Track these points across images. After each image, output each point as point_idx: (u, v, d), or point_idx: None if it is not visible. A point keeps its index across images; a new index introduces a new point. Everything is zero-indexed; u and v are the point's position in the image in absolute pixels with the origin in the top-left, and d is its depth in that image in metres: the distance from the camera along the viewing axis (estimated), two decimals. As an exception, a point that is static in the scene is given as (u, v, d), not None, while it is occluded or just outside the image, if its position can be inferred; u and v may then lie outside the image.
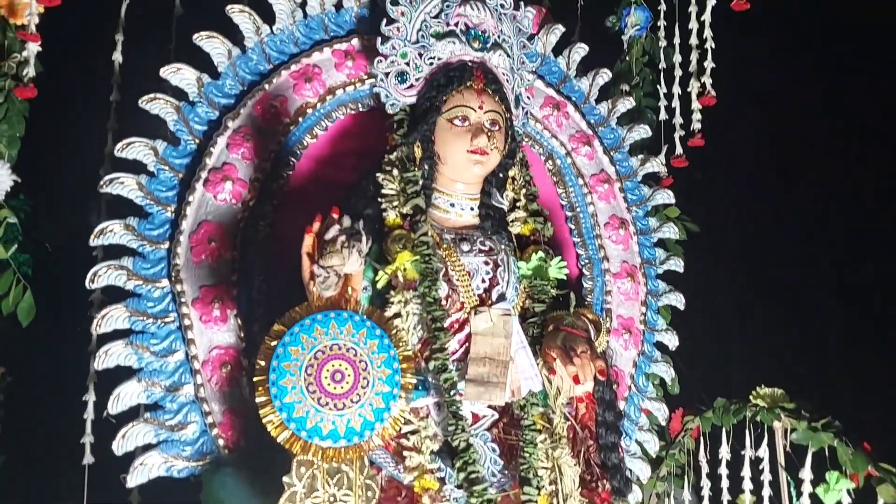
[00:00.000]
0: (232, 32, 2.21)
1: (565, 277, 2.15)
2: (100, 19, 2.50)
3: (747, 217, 4.13)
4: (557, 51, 2.57)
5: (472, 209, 2.14)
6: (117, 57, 2.45)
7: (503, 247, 2.09)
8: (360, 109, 2.28)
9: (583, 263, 2.42)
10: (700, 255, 2.96)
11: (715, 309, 3.91)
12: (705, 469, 2.64)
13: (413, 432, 1.85)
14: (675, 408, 2.70)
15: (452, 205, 2.12)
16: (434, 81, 2.09)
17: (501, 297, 2.00)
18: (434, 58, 2.11)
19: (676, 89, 2.91)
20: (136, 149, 2.06)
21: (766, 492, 2.50)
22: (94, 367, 2.00)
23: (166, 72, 2.10)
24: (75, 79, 2.61)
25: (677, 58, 2.91)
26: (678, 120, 2.88)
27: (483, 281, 2.01)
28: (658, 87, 2.99)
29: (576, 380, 1.82)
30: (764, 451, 2.47)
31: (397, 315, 1.91)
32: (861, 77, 4.04)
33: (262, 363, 1.64)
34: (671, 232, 2.61)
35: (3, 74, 2.24)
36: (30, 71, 2.23)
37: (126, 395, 1.96)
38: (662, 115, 2.96)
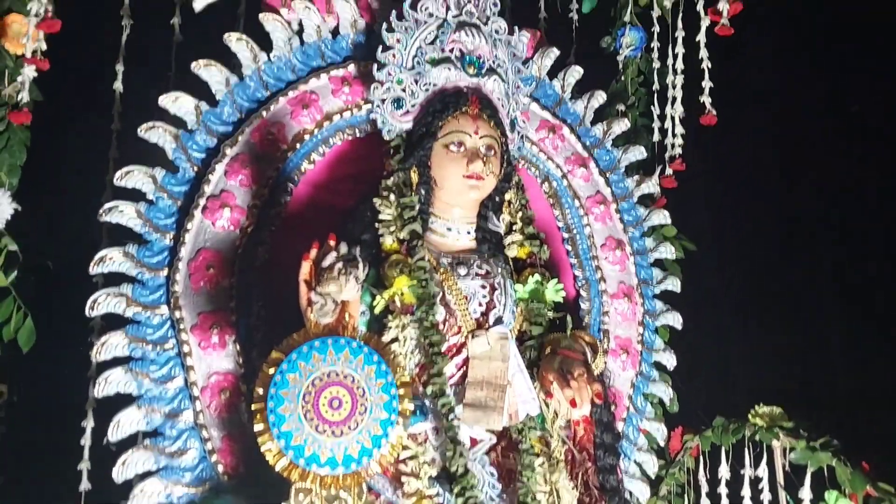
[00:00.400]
0: (230, 59, 2.24)
1: (562, 300, 2.17)
2: (100, 48, 2.53)
3: (745, 232, 4.14)
4: (552, 73, 2.59)
5: (468, 233, 2.15)
6: (118, 86, 2.48)
7: (500, 270, 2.11)
8: (358, 135, 2.30)
9: (580, 284, 2.44)
10: (698, 271, 2.97)
11: (713, 326, 3.91)
12: (705, 488, 2.64)
13: (411, 457, 1.86)
14: (674, 426, 2.71)
15: (449, 229, 2.14)
16: (430, 107, 2.11)
17: (499, 321, 2.02)
18: (430, 84, 2.13)
19: (669, 110, 2.92)
20: (135, 177, 2.08)
21: (766, 510, 2.50)
22: (94, 394, 2.01)
23: (165, 101, 2.13)
24: (76, 107, 2.63)
25: (671, 78, 2.92)
26: (671, 140, 2.89)
27: (480, 304, 2.03)
28: (652, 107, 3.01)
29: (573, 403, 1.82)
30: (763, 471, 2.47)
31: (395, 340, 1.93)
32: (862, 83, 4.05)
33: (260, 391, 1.65)
34: (667, 252, 2.62)
35: (4, 104, 2.25)
36: (24, 96, 2.24)
37: (126, 422, 1.97)
38: (656, 136, 2.97)
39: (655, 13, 3.03)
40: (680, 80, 2.88)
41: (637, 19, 3.08)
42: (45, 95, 2.31)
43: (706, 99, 2.76)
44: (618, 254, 2.46)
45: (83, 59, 2.54)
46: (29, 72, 2.20)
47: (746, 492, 2.53)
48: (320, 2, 2.31)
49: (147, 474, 1.96)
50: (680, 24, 2.86)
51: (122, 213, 2.06)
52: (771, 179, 4.21)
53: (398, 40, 2.13)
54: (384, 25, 2.14)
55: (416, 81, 2.13)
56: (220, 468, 1.98)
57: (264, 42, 2.26)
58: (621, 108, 3.08)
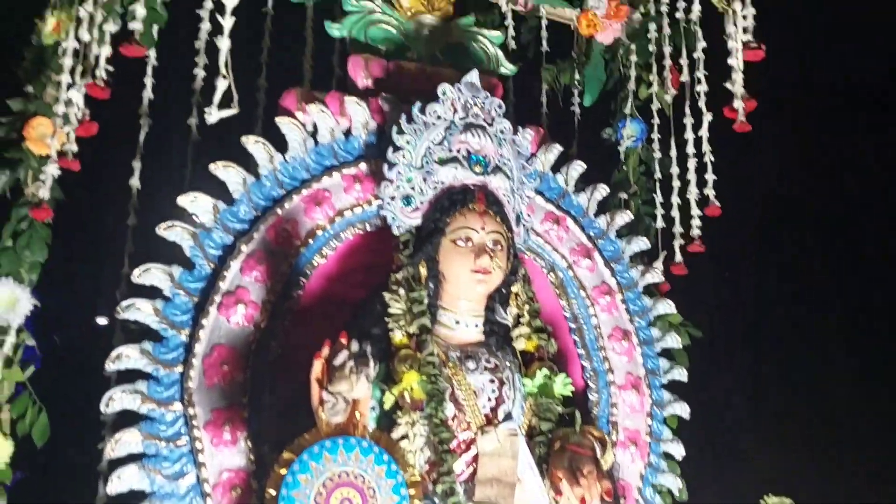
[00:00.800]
0: (246, 156, 2.32)
1: (571, 394, 2.19)
2: (119, 145, 2.62)
3: (751, 318, 4.17)
4: (556, 167, 2.67)
5: (476, 326, 2.20)
6: (135, 182, 2.56)
7: (508, 363, 2.14)
8: (368, 229, 2.37)
9: (588, 375, 2.46)
10: (706, 357, 2.99)
11: (722, 413, 3.91)
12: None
13: (422, 557, 1.86)
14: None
15: (457, 322, 2.18)
16: (438, 204, 2.19)
17: (508, 416, 2.04)
18: (438, 182, 2.21)
19: (675, 199, 2.98)
20: (152, 274, 2.14)
21: None
22: (107, 491, 2.02)
23: (184, 201, 2.20)
24: (94, 204, 2.71)
25: (675, 169, 2.99)
26: (678, 228, 2.94)
27: (489, 399, 2.06)
28: (655, 196, 3.07)
29: (582, 501, 1.84)
30: (774, 563, 2.45)
31: (404, 437, 1.95)
32: (863, 164, 4.14)
33: (272, 492, 1.67)
34: (674, 341, 2.65)
35: (27, 202, 2.33)
36: (45, 193, 2.31)
37: (138, 520, 1.98)
38: (660, 223, 3.02)
39: (655, 106, 3.13)
40: (693, 164, 2.93)
41: (637, 111, 3.19)
42: (64, 191, 2.38)
43: (710, 192, 2.81)
44: (625, 344, 2.50)
45: (102, 157, 2.62)
46: (52, 170, 2.28)
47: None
48: (334, 104, 2.41)
49: (158, 573, 1.96)
50: (689, 110, 2.93)
51: (140, 311, 2.11)
52: (770, 279, 4.27)
53: (408, 141, 2.22)
54: (395, 128, 2.23)
55: (425, 180, 2.21)
56: (232, 565, 1.97)
57: (280, 141, 2.35)
58: (624, 196, 3.15)
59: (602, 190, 2.70)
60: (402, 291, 2.14)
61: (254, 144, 2.30)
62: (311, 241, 2.29)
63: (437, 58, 2.62)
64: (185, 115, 2.64)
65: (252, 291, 2.16)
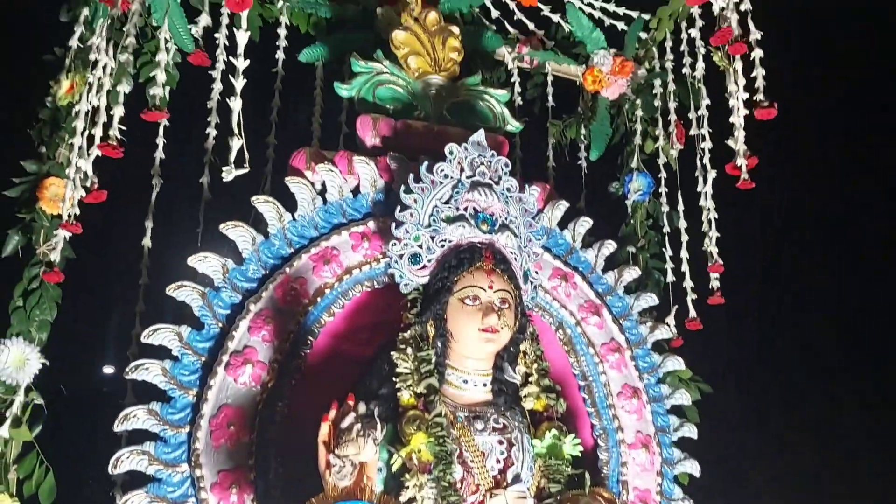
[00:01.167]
0: (257, 214, 2.35)
1: (580, 454, 2.17)
2: (131, 204, 2.65)
3: (763, 370, 4.13)
4: (563, 223, 2.68)
5: (484, 385, 2.19)
6: (147, 242, 2.59)
7: (517, 424, 2.13)
8: (376, 286, 2.37)
9: (598, 434, 2.44)
10: (717, 412, 2.97)
11: (733, 473, 3.85)
12: None
13: None
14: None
15: (465, 381, 2.17)
16: (446, 262, 2.20)
17: (516, 478, 2.02)
18: (445, 240, 2.22)
19: (684, 253, 2.98)
20: (161, 335, 2.15)
21: None
22: (114, 555, 2.01)
23: (193, 261, 2.22)
24: (105, 262, 2.73)
25: (682, 223, 3.00)
26: (689, 283, 2.94)
27: (498, 461, 2.04)
28: (664, 249, 3.08)
29: (593, 565, 1.80)
30: None
31: (412, 500, 1.93)
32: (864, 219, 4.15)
33: (279, 559, 1.65)
34: (683, 398, 2.63)
35: (38, 262, 2.36)
36: (56, 256, 2.34)
37: (142, 585, 1.96)
38: (670, 277, 3.02)
39: (662, 160, 3.15)
40: (709, 219, 2.92)
41: (644, 165, 3.21)
42: (75, 249, 2.41)
43: (713, 248, 2.81)
44: (634, 402, 2.48)
45: (113, 215, 2.66)
46: (63, 233, 2.31)
47: None
48: (342, 163, 2.44)
49: None
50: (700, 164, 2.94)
51: (149, 371, 2.11)
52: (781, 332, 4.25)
53: (415, 200, 2.24)
54: (402, 187, 2.25)
55: (433, 238, 2.22)
56: None
57: (289, 199, 2.37)
58: (632, 250, 3.16)
59: (609, 246, 2.70)
60: (409, 350, 2.14)
61: (263, 204, 2.32)
62: (319, 299, 2.29)
63: (445, 116, 2.65)
64: (196, 175, 2.68)
65: (260, 351, 2.16)
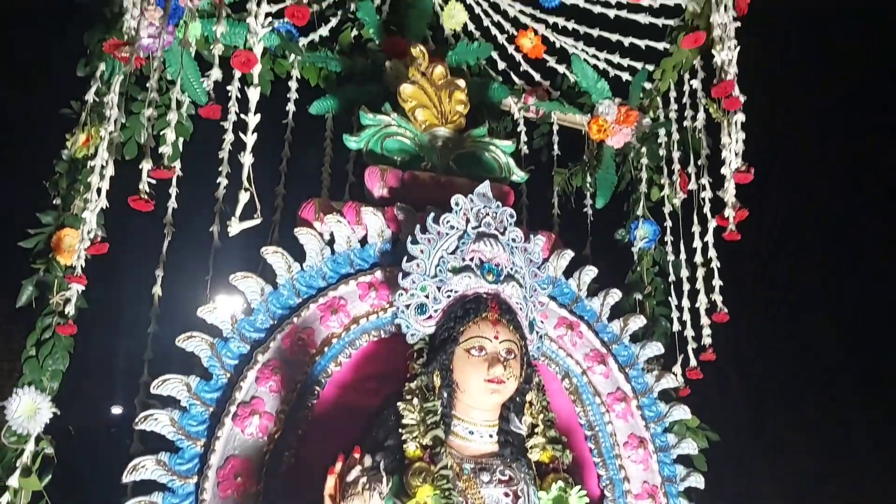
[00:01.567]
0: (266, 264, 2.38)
1: (586, 506, 2.17)
2: (141, 255, 2.70)
3: (774, 426, 4.11)
4: (569, 272, 2.70)
5: (490, 436, 2.19)
6: (157, 290, 2.62)
7: (523, 475, 2.13)
8: (382, 336, 2.40)
9: (604, 485, 2.44)
10: (723, 464, 2.95)
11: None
12: None
13: None
14: None
15: (471, 432, 2.18)
16: (451, 313, 2.22)
17: (522, 532, 2.01)
18: (451, 290, 2.25)
19: (686, 302, 3.00)
20: (170, 385, 2.17)
21: None
22: None
23: (203, 312, 2.25)
24: (116, 311, 2.77)
25: (684, 272, 3.02)
26: (690, 332, 2.94)
27: (503, 514, 2.03)
28: (670, 298, 3.09)
29: None
30: None
31: (418, 553, 1.93)
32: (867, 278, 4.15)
33: None
34: (690, 448, 2.62)
35: (51, 312, 2.39)
36: (71, 309, 2.38)
37: None
38: (676, 326, 3.03)
39: (667, 208, 3.18)
40: (702, 272, 2.95)
41: (650, 213, 3.24)
42: (88, 301, 2.44)
43: (717, 297, 2.82)
44: (640, 452, 2.47)
45: (124, 265, 2.70)
46: (77, 286, 2.35)
47: None
48: (350, 214, 2.49)
49: None
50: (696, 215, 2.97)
51: (157, 421, 2.14)
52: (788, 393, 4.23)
53: (422, 251, 2.27)
54: (409, 238, 2.28)
55: (439, 288, 2.25)
56: None
57: (298, 248, 2.41)
58: (639, 297, 3.17)
59: (614, 294, 2.72)
60: (415, 401, 2.15)
61: (272, 255, 2.36)
62: (326, 349, 2.32)
63: (451, 167, 2.70)
64: (207, 224, 2.72)
65: (267, 402, 2.18)
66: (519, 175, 2.83)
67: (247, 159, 2.16)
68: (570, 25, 3.20)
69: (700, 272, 2.89)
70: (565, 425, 2.45)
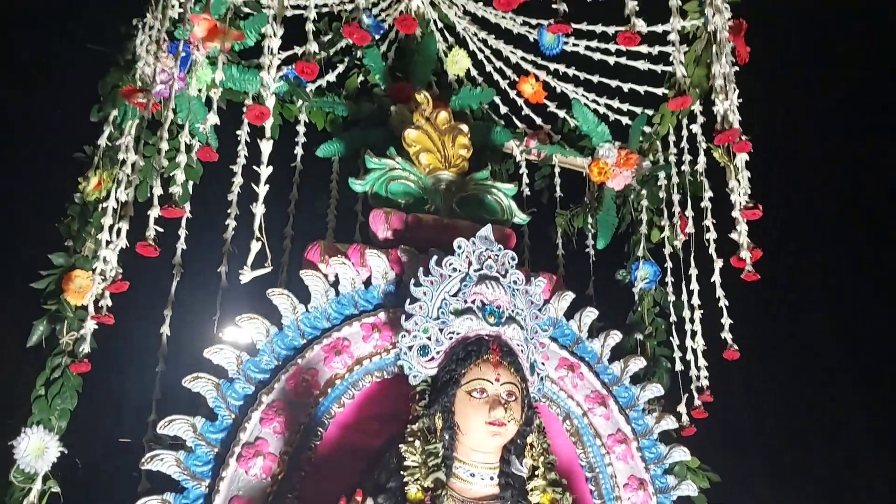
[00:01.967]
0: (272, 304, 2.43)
1: (585, 549, 2.18)
2: (150, 294, 2.75)
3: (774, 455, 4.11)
4: (570, 313, 2.74)
5: (491, 478, 2.21)
6: (165, 330, 2.67)
7: (523, 518, 2.14)
8: (385, 377, 2.43)
9: (605, 526, 2.45)
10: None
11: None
12: None
13: None
14: None
15: (472, 475, 2.20)
16: (453, 355, 2.25)
17: (522, 574, 2.03)
18: (453, 332, 2.28)
19: (690, 342, 3.02)
20: (176, 426, 2.21)
21: None
22: None
23: (209, 353, 2.30)
24: (124, 351, 2.81)
25: (686, 313, 3.05)
26: (694, 372, 2.97)
27: (504, 557, 2.05)
28: (671, 338, 3.12)
29: None
30: None
31: None
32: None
33: None
34: (690, 489, 2.64)
35: (61, 352, 2.44)
36: (85, 347, 2.43)
37: None
38: (678, 366, 3.05)
39: (667, 250, 3.23)
40: (698, 315, 2.99)
41: (650, 254, 3.28)
42: (97, 341, 2.49)
43: (727, 335, 2.84)
44: (640, 494, 2.49)
45: (135, 305, 2.74)
46: (90, 325, 2.40)
47: None
48: (355, 256, 2.54)
49: None
50: (694, 258, 3.00)
51: (163, 462, 2.17)
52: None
53: (424, 293, 2.31)
54: (412, 280, 2.33)
55: (441, 330, 2.28)
56: None
57: (303, 289, 2.46)
58: (639, 337, 3.20)
59: (615, 336, 2.75)
60: (417, 444, 2.17)
61: (278, 297, 2.41)
62: (329, 390, 2.35)
63: (454, 210, 2.76)
64: (215, 265, 2.78)
65: (271, 443, 2.21)
66: (521, 217, 2.88)
67: (258, 210, 2.20)
68: (571, 72, 3.29)
69: (697, 314, 2.91)
70: (566, 466, 2.47)
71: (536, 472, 2.29)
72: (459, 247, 2.36)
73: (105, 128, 2.69)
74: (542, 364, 2.43)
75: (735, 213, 2.64)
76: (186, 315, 2.76)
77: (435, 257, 2.35)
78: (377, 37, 3.14)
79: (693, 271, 3.02)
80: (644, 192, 3.33)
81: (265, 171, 2.18)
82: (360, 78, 3.15)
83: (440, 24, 3.35)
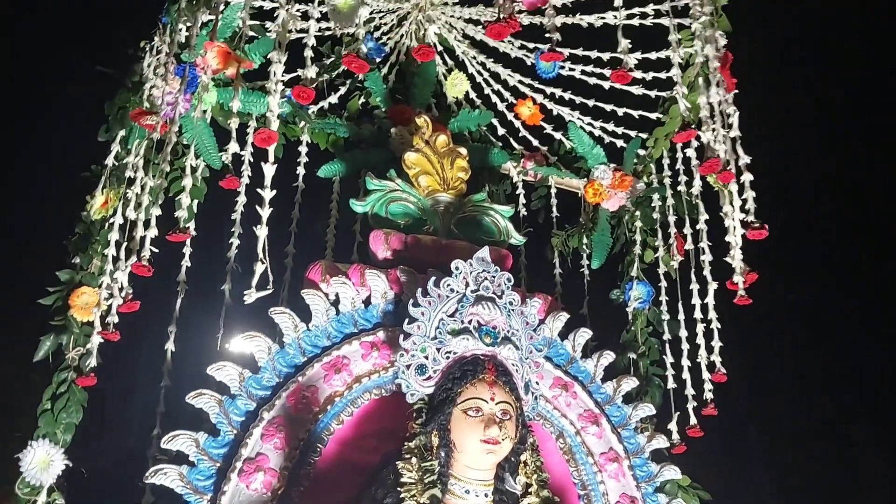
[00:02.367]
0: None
1: (578, 568, 2.24)
2: (155, 312, 2.81)
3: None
4: (564, 333, 2.80)
5: (486, 495, 2.27)
6: (169, 346, 2.73)
7: (516, 534, 2.20)
8: (384, 394, 2.49)
9: (596, 543, 2.50)
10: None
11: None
12: None
13: None
14: None
15: (467, 491, 2.26)
16: (450, 374, 2.31)
17: (515, 590, 2.08)
18: (450, 352, 2.34)
19: (685, 361, 3.07)
20: (180, 441, 2.27)
21: None
22: None
23: (212, 370, 2.36)
24: (129, 367, 2.87)
25: (683, 332, 3.10)
26: (690, 391, 3.01)
27: (497, 572, 2.10)
28: (664, 357, 3.17)
29: None
30: None
31: None
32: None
33: None
34: (680, 507, 2.70)
35: (67, 367, 2.50)
36: (91, 361, 2.48)
37: None
38: (671, 384, 3.10)
39: (661, 270, 3.29)
40: (701, 328, 3.01)
41: (644, 274, 3.34)
42: (103, 358, 2.54)
43: (716, 358, 2.89)
44: (632, 512, 2.55)
45: (140, 322, 2.80)
46: (97, 340, 2.46)
47: None
48: (355, 276, 2.60)
49: None
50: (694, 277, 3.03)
51: (167, 476, 2.22)
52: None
53: (423, 313, 2.37)
54: (411, 301, 2.39)
55: (438, 350, 2.35)
56: None
57: (304, 307, 2.52)
58: (633, 356, 3.26)
59: (608, 356, 2.81)
60: (414, 461, 2.23)
61: (280, 315, 2.47)
62: (329, 407, 2.41)
63: (452, 231, 2.83)
64: (219, 282, 2.84)
65: (271, 458, 2.27)
66: (517, 238, 2.95)
67: (262, 232, 2.26)
68: (567, 95, 3.36)
69: (699, 327, 2.94)
70: (559, 484, 2.53)
71: (530, 490, 2.35)
72: (457, 268, 2.42)
73: (112, 147, 2.76)
74: (537, 383, 2.49)
75: (729, 238, 2.67)
76: (191, 331, 2.81)
77: (433, 278, 2.42)
78: (378, 60, 3.21)
79: (694, 286, 3.03)
80: (638, 213, 3.40)
81: (268, 193, 2.24)
82: (362, 100, 3.23)
83: (440, 48, 3.43)
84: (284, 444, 2.30)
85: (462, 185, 2.89)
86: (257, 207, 2.23)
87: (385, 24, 3.37)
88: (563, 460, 2.61)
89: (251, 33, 2.89)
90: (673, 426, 3.02)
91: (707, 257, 3.00)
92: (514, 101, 3.44)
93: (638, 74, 3.16)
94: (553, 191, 3.45)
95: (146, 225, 2.33)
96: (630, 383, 2.81)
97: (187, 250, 2.84)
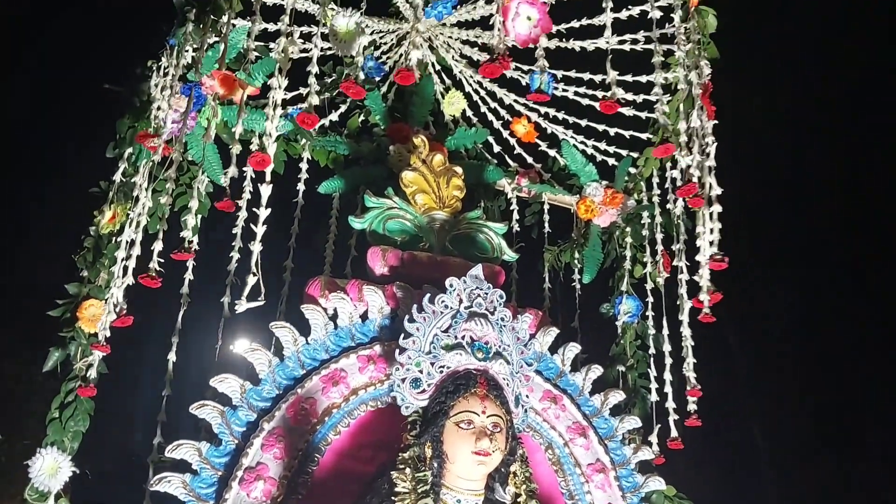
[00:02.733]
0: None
1: (566, 578, 2.33)
2: (159, 322, 2.90)
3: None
4: (554, 348, 2.90)
5: (476, 505, 2.37)
6: (171, 356, 2.83)
7: (506, 543, 2.30)
8: (379, 406, 2.59)
9: (583, 552, 2.60)
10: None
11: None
12: None
13: None
14: None
15: (459, 501, 2.35)
16: (443, 388, 2.40)
17: None
18: (444, 366, 2.44)
19: (668, 375, 3.17)
20: (183, 450, 2.36)
21: None
22: None
23: (215, 382, 2.45)
24: (133, 375, 2.96)
25: (667, 347, 3.20)
26: (671, 404, 3.11)
27: (486, 580, 2.20)
28: (650, 369, 3.27)
29: None
30: None
31: None
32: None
33: None
34: (665, 518, 2.80)
35: (75, 377, 2.59)
36: (93, 373, 2.57)
37: None
38: (654, 397, 3.20)
39: (649, 285, 3.39)
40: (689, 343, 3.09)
41: (633, 289, 3.44)
42: (109, 367, 2.63)
43: (690, 374, 2.99)
44: (617, 522, 2.65)
45: (142, 332, 2.89)
46: (99, 353, 2.55)
47: None
48: (353, 291, 2.70)
49: None
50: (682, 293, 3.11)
51: (170, 483, 2.32)
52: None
53: (418, 328, 2.47)
54: (406, 316, 2.48)
55: (432, 364, 2.44)
56: None
57: (303, 321, 2.61)
58: (621, 368, 3.36)
59: (596, 370, 2.91)
60: (408, 471, 2.33)
61: (280, 329, 2.57)
62: (326, 418, 2.51)
63: (447, 248, 2.92)
64: (220, 294, 2.94)
65: (271, 468, 2.37)
66: (510, 255, 3.05)
67: (256, 247, 2.36)
68: (561, 115, 3.46)
69: (688, 342, 3.02)
70: (547, 494, 2.62)
71: (519, 500, 2.44)
72: (451, 285, 2.51)
73: (120, 164, 2.85)
74: (527, 396, 2.59)
75: (698, 257, 2.75)
76: (192, 342, 2.91)
77: (428, 295, 2.51)
78: (378, 78, 3.31)
79: (686, 304, 3.11)
80: (628, 229, 3.49)
81: (263, 212, 2.34)
82: (361, 118, 3.33)
83: (438, 67, 3.53)
84: (284, 453, 2.39)
85: (457, 202, 2.99)
86: (252, 226, 2.33)
87: (385, 43, 3.47)
88: (552, 471, 2.71)
89: (256, 54, 3.00)
90: (654, 438, 3.11)
91: (685, 276, 3.09)
92: (510, 120, 3.54)
93: (629, 97, 3.26)
94: (546, 207, 3.55)
95: (152, 240, 2.42)
96: (617, 396, 2.91)
97: (190, 264, 2.93)
